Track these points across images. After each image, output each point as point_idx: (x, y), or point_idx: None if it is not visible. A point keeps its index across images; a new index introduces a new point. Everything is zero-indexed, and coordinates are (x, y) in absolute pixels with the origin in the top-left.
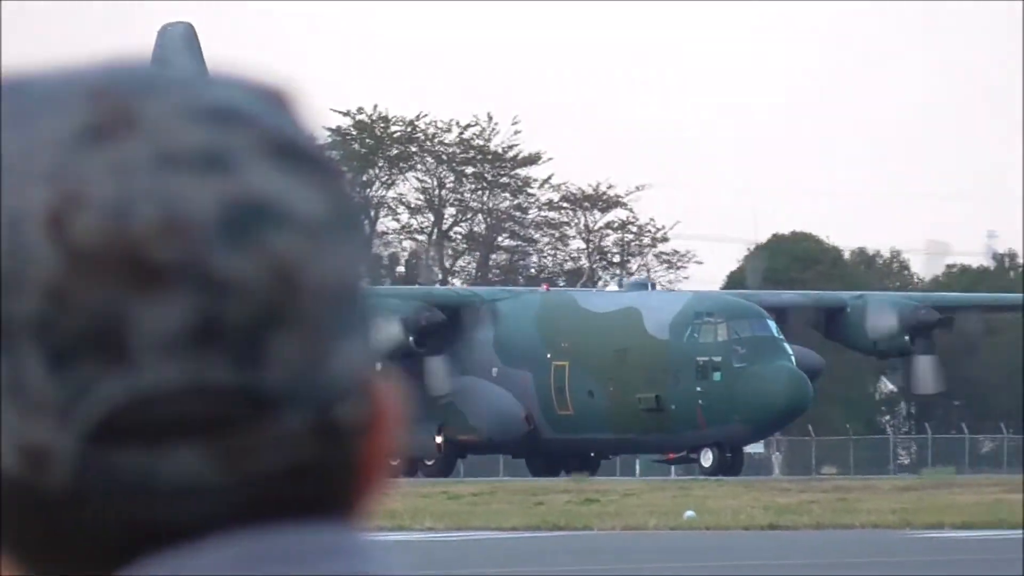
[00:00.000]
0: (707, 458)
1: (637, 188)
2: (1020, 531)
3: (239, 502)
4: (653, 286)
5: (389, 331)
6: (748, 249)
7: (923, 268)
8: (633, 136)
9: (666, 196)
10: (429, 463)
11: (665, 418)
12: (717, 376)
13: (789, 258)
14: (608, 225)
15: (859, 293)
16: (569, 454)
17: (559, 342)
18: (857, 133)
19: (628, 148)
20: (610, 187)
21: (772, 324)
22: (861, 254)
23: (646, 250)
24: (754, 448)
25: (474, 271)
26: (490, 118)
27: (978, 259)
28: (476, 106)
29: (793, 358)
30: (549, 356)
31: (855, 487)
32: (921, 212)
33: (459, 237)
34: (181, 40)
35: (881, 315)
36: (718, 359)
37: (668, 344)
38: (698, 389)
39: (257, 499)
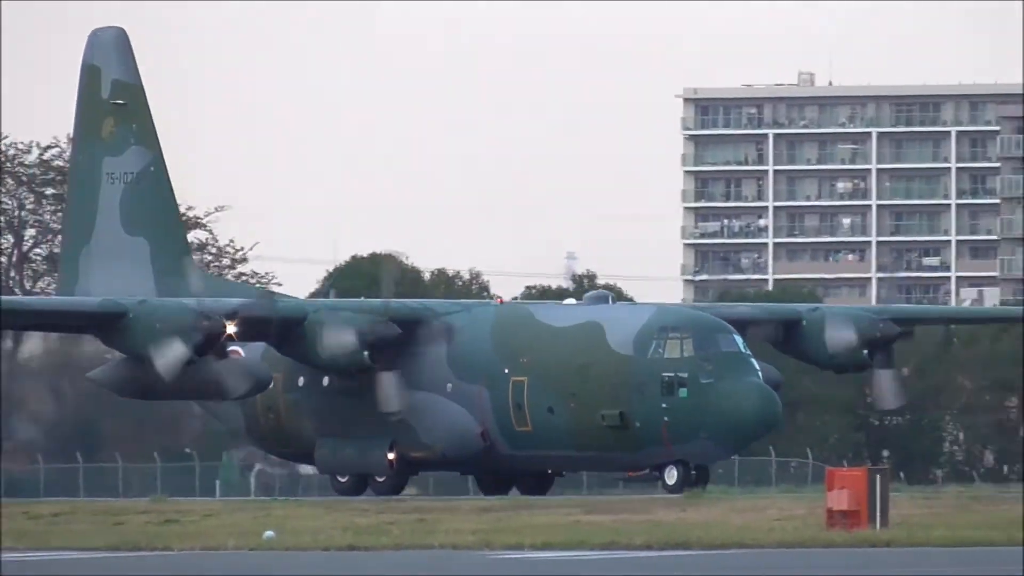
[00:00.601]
0: (671, 476)
1: (216, 209)
2: (599, 552)
3: None
4: (613, 300)
5: (343, 345)
6: (327, 271)
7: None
8: (212, 157)
9: (247, 217)
10: (380, 480)
11: (629, 435)
12: (683, 392)
13: (368, 279)
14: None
15: (815, 305)
16: (527, 471)
17: (517, 357)
18: (440, 154)
19: (207, 169)
20: (189, 208)
21: (739, 339)
22: (440, 275)
23: (225, 271)
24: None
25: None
26: (70, 139)
27: (557, 280)
28: (57, 127)
29: (760, 374)
30: (507, 371)
31: (436, 508)
32: (504, 232)
33: (39, 259)
34: (113, 46)
35: (839, 328)
36: (684, 375)
37: (632, 359)
38: (664, 405)
39: None
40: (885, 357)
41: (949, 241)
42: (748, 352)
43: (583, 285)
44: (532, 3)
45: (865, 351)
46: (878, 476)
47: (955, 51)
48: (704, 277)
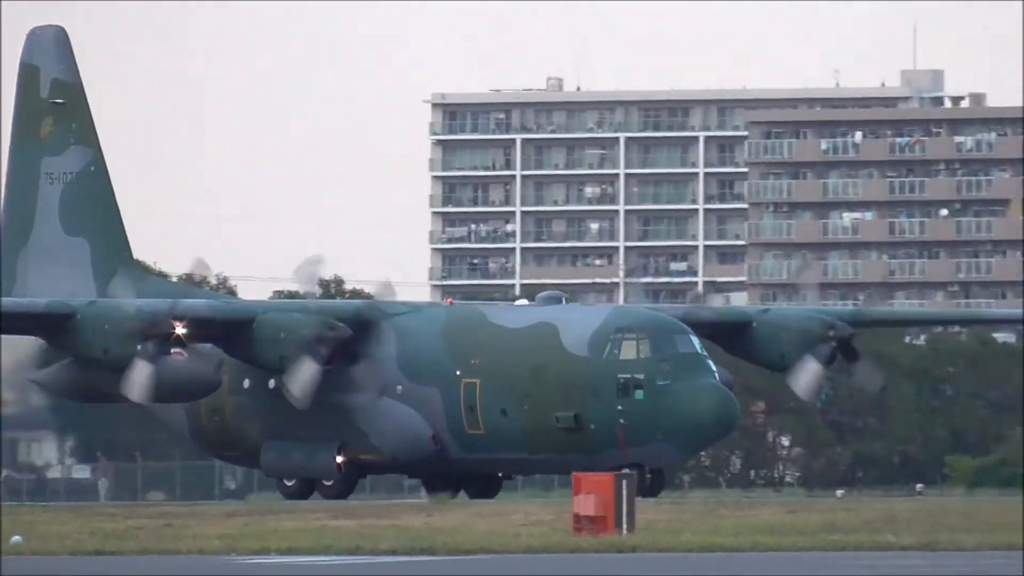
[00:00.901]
0: None
1: None
2: (345, 557)
3: None
4: (566, 300)
5: (293, 347)
6: None
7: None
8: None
9: None
10: (328, 484)
11: (584, 437)
12: (640, 394)
13: None
14: None
15: (765, 307)
16: (479, 474)
17: (469, 358)
18: (180, 154)
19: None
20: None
21: (696, 340)
22: (188, 279)
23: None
24: (80, 473)
25: None
26: None
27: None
28: None
29: (717, 375)
30: (459, 373)
31: (182, 512)
32: (254, 237)
33: None
34: (52, 44)
35: (791, 329)
36: (640, 376)
37: (587, 361)
38: (620, 407)
39: None
40: (845, 356)
41: (697, 246)
42: (705, 353)
43: (330, 290)
44: (279, 3)
45: (833, 349)
46: (624, 481)
47: (703, 56)
48: (451, 282)
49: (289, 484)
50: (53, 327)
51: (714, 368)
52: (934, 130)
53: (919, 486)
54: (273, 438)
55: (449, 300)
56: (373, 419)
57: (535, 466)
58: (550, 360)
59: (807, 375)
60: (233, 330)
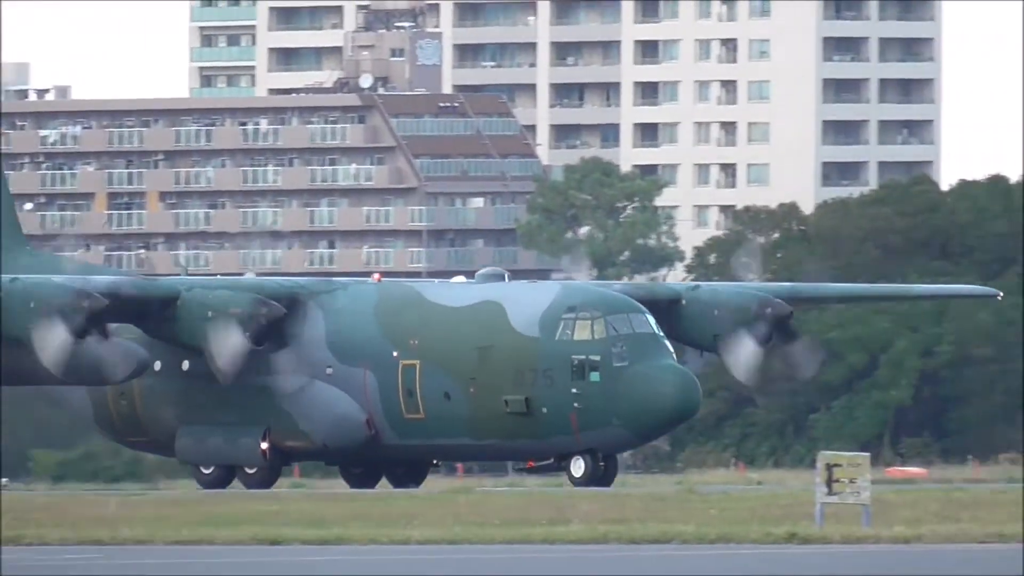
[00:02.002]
0: (578, 467)
1: None
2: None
3: None
4: (509, 278)
5: (224, 327)
6: None
7: None
8: None
9: None
10: (251, 471)
11: (535, 422)
12: (595, 376)
13: None
14: None
15: (695, 284)
16: (418, 463)
17: (407, 339)
18: None
19: None
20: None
21: (652, 319)
22: None
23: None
24: None
25: None
26: None
27: None
28: None
29: (674, 356)
30: (396, 355)
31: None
32: None
33: None
34: None
35: (724, 307)
36: (596, 358)
37: (538, 341)
38: (574, 391)
39: None
40: (782, 336)
41: None
42: (662, 333)
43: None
44: None
45: (750, 330)
46: None
47: None
48: None
49: (207, 472)
50: None
51: (671, 349)
52: (18, 124)
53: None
54: (189, 423)
55: (377, 277)
56: (301, 403)
57: (479, 452)
58: (498, 341)
59: (745, 356)
60: (157, 309)
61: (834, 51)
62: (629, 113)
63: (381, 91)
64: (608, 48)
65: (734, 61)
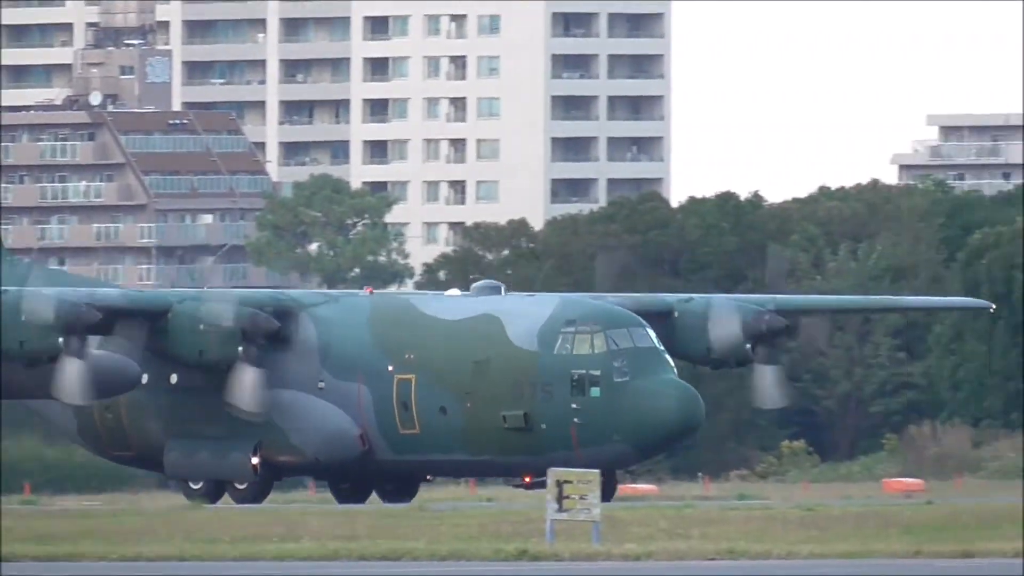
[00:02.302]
0: None
1: None
2: None
3: None
4: (505, 291)
5: (219, 340)
6: None
7: None
8: None
9: None
10: (241, 487)
11: (533, 438)
12: (595, 391)
13: None
14: None
15: (688, 296)
16: (409, 477)
17: (402, 352)
18: None
19: None
20: None
21: (652, 333)
22: None
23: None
24: None
25: None
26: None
27: None
28: None
29: (675, 370)
30: (391, 368)
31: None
32: None
33: None
34: None
35: (722, 320)
36: (596, 372)
37: (537, 356)
38: (574, 406)
39: None
40: (768, 352)
41: None
42: (663, 348)
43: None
44: None
45: (748, 345)
46: None
47: None
48: None
49: (196, 487)
50: None
51: (672, 364)
52: None
53: None
54: (177, 437)
55: (368, 289)
56: (293, 417)
57: (475, 468)
58: (496, 355)
59: (764, 381)
60: (145, 321)
61: (563, 68)
62: (359, 130)
63: (111, 108)
64: (337, 65)
65: (463, 78)
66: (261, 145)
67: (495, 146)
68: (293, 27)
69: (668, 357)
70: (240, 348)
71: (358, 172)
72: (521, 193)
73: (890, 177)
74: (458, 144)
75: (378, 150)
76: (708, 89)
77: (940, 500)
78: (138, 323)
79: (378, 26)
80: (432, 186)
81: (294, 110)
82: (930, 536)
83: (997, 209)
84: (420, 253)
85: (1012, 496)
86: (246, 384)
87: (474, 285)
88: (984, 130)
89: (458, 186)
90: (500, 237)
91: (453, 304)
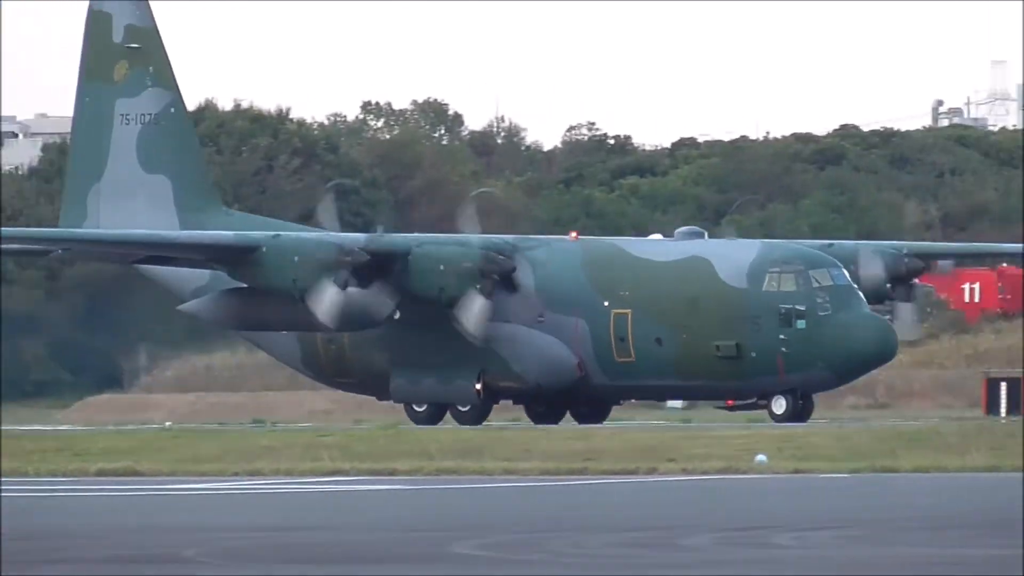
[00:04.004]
0: (780, 405)
1: None
2: None
3: None
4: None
5: (455, 279)
6: None
7: None
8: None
9: None
10: (463, 409)
11: (743, 365)
12: (801, 324)
13: None
14: None
15: (830, 242)
16: (620, 400)
17: (617, 290)
18: None
19: None
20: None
21: (847, 273)
22: None
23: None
24: None
25: None
26: None
27: None
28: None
29: (867, 306)
30: (607, 304)
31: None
32: None
33: None
34: None
35: (871, 264)
36: (802, 307)
37: (747, 292)
38: (781, 336)
39: None
40: (906, 291)
41: None
42: (856, 286)
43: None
44: None
45: (888, 285)
46: None
47: None
48: None
49: (419, 410)
50: (239, 260)
51: (865, 300)
52: None
53: None
54: (401, 365)
55: (574, 235)
56: (515, 347)
57: (685, 392)
58: (709, 292)
59: (903, 317)
60: (388, 262)
61: None
62: None
63: None
64: None
65: None
66: None
67: None
68: None
69: (862, 295)
70: (477, 285)
71: None
72: None
73: None
74: None
75: None
76: None
77: None
78: (382, 264)
79: None
80: None
81: None
82: None
83: None
84: None
85: None
86: (476, 312)
87: (678, 231)
88: None
89: None
90: None
91: (664, 247)
